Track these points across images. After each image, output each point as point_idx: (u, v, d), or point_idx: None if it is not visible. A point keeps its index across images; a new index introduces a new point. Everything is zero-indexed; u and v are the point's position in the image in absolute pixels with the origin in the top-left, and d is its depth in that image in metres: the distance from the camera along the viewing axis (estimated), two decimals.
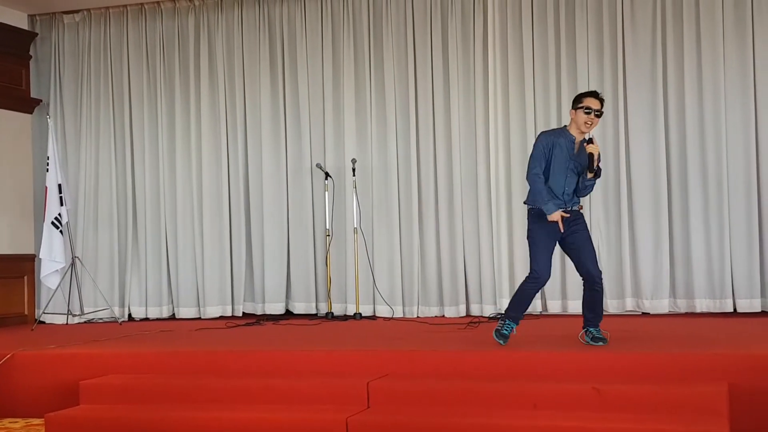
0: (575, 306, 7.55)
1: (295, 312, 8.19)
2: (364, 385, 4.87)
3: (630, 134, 7.53)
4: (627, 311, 7.50)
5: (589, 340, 5.33)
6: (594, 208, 7.57)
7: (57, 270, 8.06)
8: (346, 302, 8.03)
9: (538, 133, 7.47)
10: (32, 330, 7.78)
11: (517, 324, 5.45)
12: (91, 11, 8.77)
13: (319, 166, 8.08)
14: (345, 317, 7.90)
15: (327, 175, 8.04)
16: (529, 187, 5.39)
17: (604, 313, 7.44)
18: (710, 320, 6.95)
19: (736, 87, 7.31)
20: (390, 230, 7.98)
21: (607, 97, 7.53)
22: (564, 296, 7.63)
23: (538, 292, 5.53)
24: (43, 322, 8.25)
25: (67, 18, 8.83)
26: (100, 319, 8.35)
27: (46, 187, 8.05)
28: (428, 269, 7.94)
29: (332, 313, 7.97)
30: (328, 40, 8.23)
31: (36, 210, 8.63)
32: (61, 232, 8.03)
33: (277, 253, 8.24)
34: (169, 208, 8.49)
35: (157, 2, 8.62)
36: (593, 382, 4.62)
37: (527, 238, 5.46)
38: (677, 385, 4.56)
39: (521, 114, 7.75)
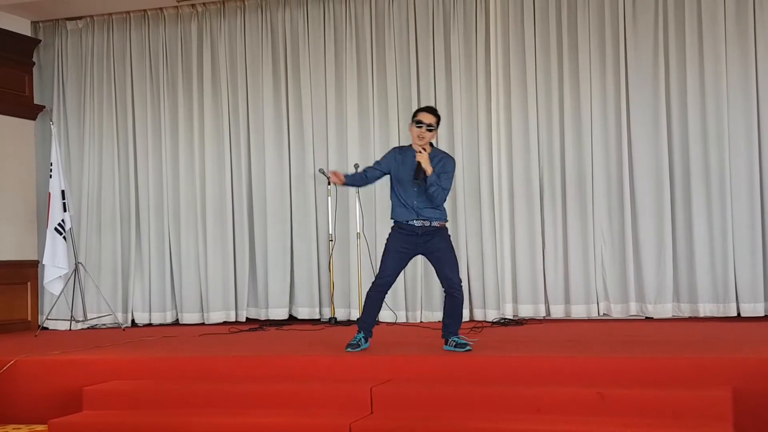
0: (578, 311, 7.56)
1: (299, 317, 8.19)
2: (367, 391, 4.87)
3: (632, 138, 7.52)
4: (630, 316, 7.49)
5: (452, 347, 5.49)
6: (597, 212, 7.56)
7: (60, 276, 8.06)
8: (349, 307, 8.03)
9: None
10: (35, 336, 7.78)
11: (369, 336, 5.68)
12: (94, 18, 8.79)
13: (321, 170, 8.08)
14: (348, 322, 7.89)
15: (330, 179, 8.04)
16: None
17: (608, 317, 7.51)
18: (714, 324, 6.94)
19: (739, 90, 7.30)
20: None
21: (609, 100, 7.59)
22: (567, 301, 7.62)
23: (381, 299, 5.69)
24: (47, 328, 8.25)
25: (70, 24, 8.85)
26: (104, 325, 8.35)
27: (50, 193, 8.05)
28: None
29: (335, 318, 7.96)
30: (330, 45, 8.24)
31: (39, 216, 8.64)
32: (64, 238, 8.03)
33: (281, 258, 8.24)
34: (173, 214, 8.50)
35: (160, 9, 8.64)
36: (597, 387, 4.61)
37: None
38: (681, 389, 4.55)
39: (524, 118, 7.75)
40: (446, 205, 7.80)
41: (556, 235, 7.67)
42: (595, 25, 7.65)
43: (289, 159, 8.32)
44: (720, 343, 5.70)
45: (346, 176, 5.67)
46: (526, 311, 7.65)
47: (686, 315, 7.38)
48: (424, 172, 5.41)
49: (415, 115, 5.58)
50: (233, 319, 8.29)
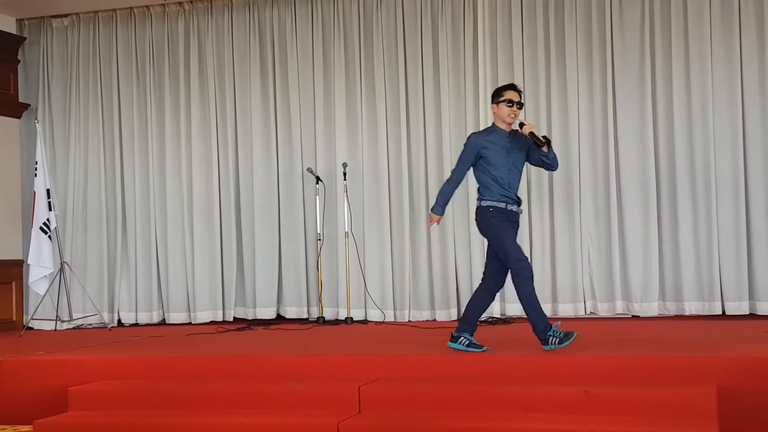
0: (565, 309, 7.58)
1: (287, 317, 8.18)
2: (355, 390, 4.86)
3: (619, 137, 7.56)
4: (617, 314, 7.52)
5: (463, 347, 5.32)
6: (584, 211, 7.59)
7: (45, 275, 8.02)
8: (337, 306, 8.03)
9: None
10: (20, 336, 7.74)
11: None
12: (80, 15, 8.74)
13: (309, 170, 8.07)
14: (336, 322, 7.89)
15: (318, 179, 8.04)
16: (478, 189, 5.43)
17: (594, 315, 7.54)
18: (699, 323, 6.98)
19: (724, 90, 7.34)
20: (381, 234, 7.98)
21: (596, 100, 7.62)
22: (554, 299, 7.64)
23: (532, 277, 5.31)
24: (32, 328, 8.21)
25: (55, 22, 8.80)
26: (90, 324, 8.31)
27: (35, 192, 8.01)
28: (419, 273, 7.95)
29: (323, 318, 7.96)
30: (318, 44, 8.23)
31: (24, 215, 8.59)
32: (49, 237, 7.99)
33: (268, 257, 8.23)
34: (159, 213, 8.47)
35: (147, 6, 8.60)
36: (583, 385, 4.63)
37: (487, 235, 5.38)
38: (667, 387, 4.57)
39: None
40: (434, 199, 7.83)
41: (543, 235, 7.69)
42: (582, 25, 7.67)
43: (277, 158, 8.30)
44: (705, 342, 5.73)
45: (443, 208, 5.44)
46: (513, 310, 7.66)
47: (672, 313, 7.42)
48: (539, 140, 5.18)
49: (500, 94, 5.32)
50: (220, 319, 8.27)
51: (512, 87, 5.37)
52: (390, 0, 8.07)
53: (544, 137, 5.26)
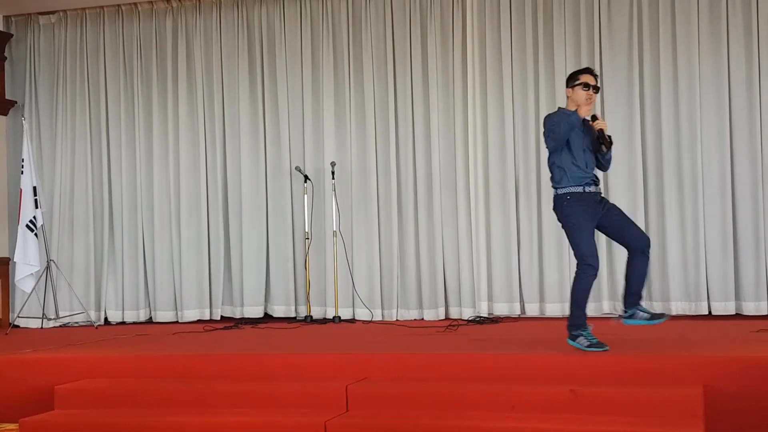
0: (553, 309, 7.60)
1: (274, 315, 8.16)
2: (342, 389, 4.86)
3: None
4: (604, 314, 7.53)
5: (638, 320, 5.18)
6: None
7: (32, 273, 7.98)
8: (325, 305, 8.02)
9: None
10: (6, 334, 7.70)
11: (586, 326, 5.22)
12: (67, 12, 8.70)
13: (298, 168, 8.07)
14: (324, 320, 7.89)
15: (306, 177, 8.03)
16: (552, 176, 5.24)
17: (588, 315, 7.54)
18: (685, 323, 7.01)
19: (711, 92, 7.37)
20: (369, 233, 7.98)
21: None
22: (542, 299, 7.66)
23: (594, 280, 5.22)
24: (18, 326, 8.16)
25: (42, 19, 8.76)
26: (76, 323, 8.28)
27: (21, 190, 7.98)
28: (407, 272, 7.95)
29: (311, 317, 7.95)
30: (307, 42, 8.22)
31: (10, 213, 8.54)
32: (36, 234, 7.95)
33: (256, 256, 8.21)
34: (146, 211, 8.44)
35: (134, 3, 8.57)
36: (570, 385, 4.64)
37: (564, 226, 5.24)
38: (653, 387, 4.59)
39: (500, 117, 7.78)
40: (423, 203, 7.92)
41: (531, 234, 7.70)
42: (570, 26, 7.69)
43: (265, 156, 8.29)
44: (691, 342, 5.76)
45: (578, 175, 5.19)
46: (501, 309, 7.68)
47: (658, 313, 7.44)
48: (605, 141, 5.12)
49: (575, 78, 5.20)
50: (207, 318, 8.25)
51: (588, 71, 5.26)
52: None
53: (609, 137, 5.18)
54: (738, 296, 7.28)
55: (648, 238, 5.26)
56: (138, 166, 8.47)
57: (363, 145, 8.05)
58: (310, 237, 8.05)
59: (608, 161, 5.33)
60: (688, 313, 7.34)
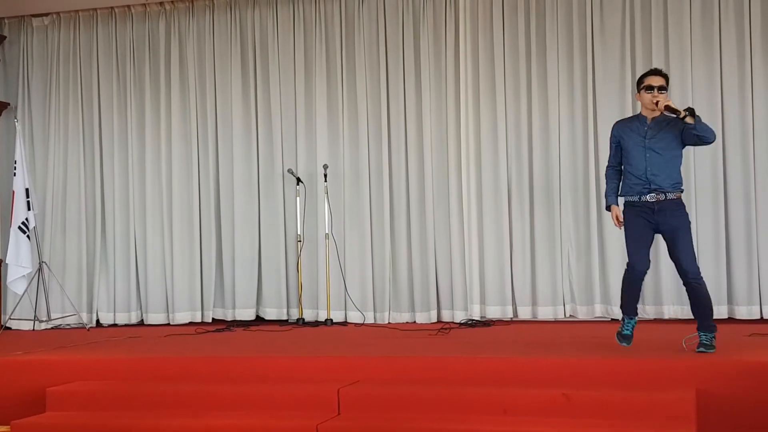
0: (545, 312, 7.61)
1: (266, 318, 8.15)
2: (334, 392, 4.86)
3: (599, 141, 7.58)
4: (596, 317, 7.55)
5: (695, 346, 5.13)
6: (564, 215, 7.62)
7: (24, 275, 7.97)
8: (317, 308, 8.01)
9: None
10: None
11: (633, 319, 5.35)
12: (61, 15, 8.68)
13: (290, 171, 8.06)
14: (316, 323, 7.88)
15: (298, 180, 8.03)
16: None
17: (574, 318, 7.56)
18: (678, 326, 7.00)
19: (704, 94, 7.38)
20: (361, 236, 7.98)
21: (576, 104, 7.65)
22: (534, 302, 7.67)
23: (639, 283, 5.33)
24: (10, 328, 8.14)
25: (36, 21, 8.74)
26: (68, 325, 8.25)
27: (13, 192, 7.97)
28: (399, 275, 7.95)
29: (303, 319, 7.94)
30: (300, 45, 8.22)
31: (3, 214, 8.52)
32: (28, 236, 7.94)
33: (248, 258, 8.20)
34: (138, 213, 8.43)
35: (128, 6, 8.56)
36: (562, 388, 4.65)
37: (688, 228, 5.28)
38: (645, 391, 4.60)
39: (492, 119, 7.79)
40: (415, 206, 7.91)
41: (523, 237, 7.71)
42: (563, 30, 7.70)
43: (257, 159, 8.28)
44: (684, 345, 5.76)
45: (615, 196, 5.37)
46: (493, 312, 7.69)
47: (651, 317, 7.46)
48: (678, 112, 5.02)
49: (641, 81, 5.26)
50: (199, 320, 8.23)
51: (654, 72, 5.27)
52: (372, 2, 8.08)
53: (686, 109, 5.04)
54: (731, 300, 7.30)
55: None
56: (130, 169, 8.46)
57: (356, 148, 8.06)
58: (302, 240, 8.04)
59: (704, 130, 5.06)
60: (680, 317, 7.34)
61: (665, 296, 7.39)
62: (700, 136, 5.09)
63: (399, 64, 8.00)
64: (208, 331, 7.52)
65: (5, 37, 8.76)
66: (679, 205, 5.21)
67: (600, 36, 7.64)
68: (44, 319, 8.08)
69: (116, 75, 8.56)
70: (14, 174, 7.98)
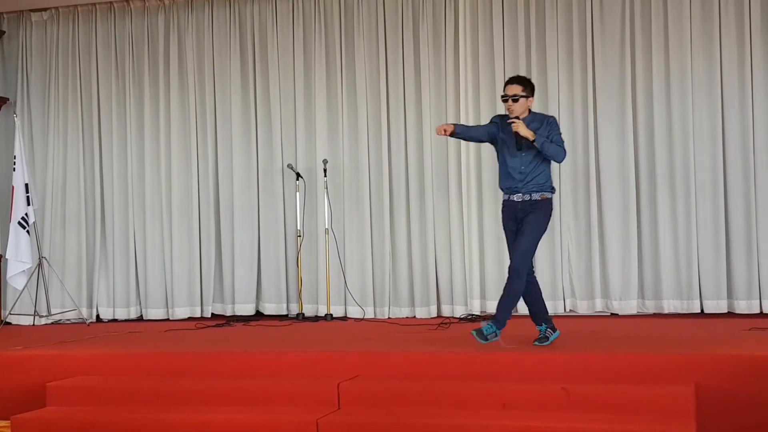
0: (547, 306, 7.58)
1: (266, 313, 8.16)
2: (334, 386, 4.87)
3: (599, 136, 7.59)
4: (596, 312, 7.56)
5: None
6: (564, 209, 7.61)
7: (24, 270, 7.96)
8: (317, 303, 8.02)
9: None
10: None
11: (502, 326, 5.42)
12: (60, 9, 8.67)
13: (290, 166, 8.06)
14: (316, 318, 7.89)
15: (298, 175, 8.03)
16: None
17: (574, 313, 7.56)
18: (678, 321, 7.03)
19: (704, 89, 7.38)
20: (361, 231, 7.98)
21: (576, 98, 7.65)
22: None
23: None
24: (10, 324, 8.14)
25: (35, 16, 8.73)
26: (68, 320, 8.26)
27: (13, 187, 7.96)
28: (399, 270, 7.95)
29: (303, 314, 7.95)
30: (299, 40, 8.21)
31: (2, 210, 8.51)
32: (27, 232, 7.94)
33: (248, 253, 8.20)
34: (138, 208, 8.43)
35: (127, 1, 8.55)
36: (562, 383, 4.66)
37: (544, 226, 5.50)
38: (645, 385, 4.60)
39: (492, 113, 7.72)
40: (415, 201, 7.91)
41: None
42: (562, 26, 7.69)
43: (256, 154, 8.28)
44: (683, 340, 5.77)
45: (456, 126, 5.48)
46: (493, 307, 7.60)
47: (651, 311, 7.46)
48: (526, 138, 5.29)
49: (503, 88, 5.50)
50: (198, 315, 8.24)
51: (509, 81, 5.51)
52: None
53: (527, 142, 5.31)
54: (730, 294, 7.31)
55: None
56: (129, 163, 8.45)
57: (355, 143, 8.05)
58: (302, 235, 8.04)
59: (553, 152, 5.35)
60: (680, 311, 7.35)
61: (665, 291, 7.39)
62: (551, 156, 5.36)
63: (398, 59, 7.99)
64: (208, 326, 7.52)
65: (4, 32, 8.75)
66: (543, 203, 5.41)
67: (600, 31, 7.62)
68: (44, 314, 8.08)
69: (115, 70, 8.56)
70: (14, 169, 7.98)
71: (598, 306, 7.54)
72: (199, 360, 5.49)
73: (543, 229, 5.46)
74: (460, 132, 5.56)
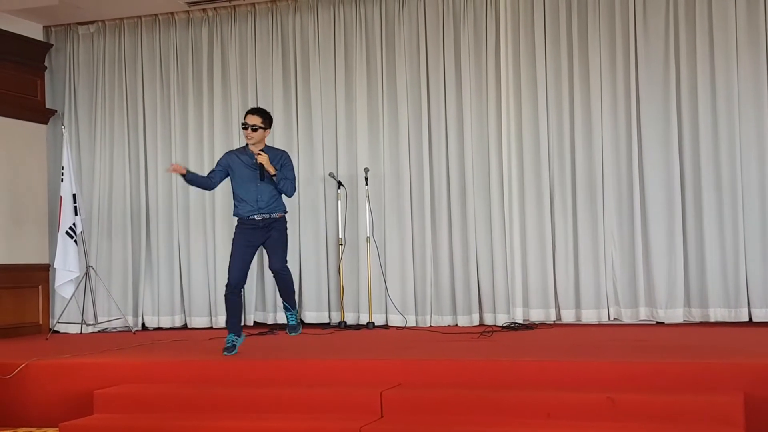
0: (588, 315, 7.54)
1: (307, 321, 8.18)
2: (377, 395, 4.86)
3: (643, 142, 7.50)
4: (641, 320, 7.46)
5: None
6: (607, 216, 7.54)
7: (71, 279, 8.10)
8: (358, 311, 8.03)
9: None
10: (46, 339, 7.82)
11: (239, 335, 6.02)
12: (106, 22, 8.83)
13: (331, 174, 8.09)
14: (358, 326, 7.90)
15: (339, 183, 8.06)
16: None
17: (618, 321, 7.48)
18: (725, 330, 6.91)
19: (750, 93, 7.26)
20: (402, 239, 7.98)
21: (619, 102, 7.57)
22: (578, 305, 7.60)
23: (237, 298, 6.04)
24: (58, 332, 8.28)
25: (81, 29, 8.90)
26: (114, 328, 8.38)
27: (61, 197, 8.10)
28: (441, 278, 7.93)
29: (345, 323, 7.96)
30: (340, 48, 8.25)
31: (51, 220, 8.68)
32: (75, 241, 8.07)
33: (289, 262, 8.22)
34: (182, 217, 8.52)
35: (171, 13, 8.67)
36: (607, 392, 4.60)
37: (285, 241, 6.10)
38: (692, 394, 4.53)
39: (534, 120, 7.74)
40: (456, 208, 7.89)
41: (566, 239, 7.65)
42: (605, 28, 7.63)
43: (298, 162, 8.30)
44: (731, 348, 5.67)
45: (189, 172, 6.07)
46: (536, 316, 7.63)
47: (697, 320, 7.35)
48: (268, 172, 5.85)
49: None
50: (241, 324, 8.27)
51: (249, 111, 6.03)
52: (412, 4, 8.08)
53: (269, 175, 5.88)
54: (749, 303, 7.16)
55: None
56: (174, 174, 8.53)
57: (396, 151, 8.06)
58: (343, 243, 8.06)
59: (285, 188, 5.97)
60: (728, 320, 7.23)
61: (712, 299, 7.27)
62: (279, 188, 5.96)
63: (439, 66, 7.99)
64: (251, 335, 7.56)
65: (52, 45, 8.93)
66: (281, 220, 6.03)
67: (643, 35, 7.54)
68: (91, 322, 8.20)
69: (160, 81, 8.68)
70: (62, 180, 8.12)
71: (643, 314, 7.44)
72: (243, 368, 5.53)
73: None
74: (192, 178, 6.13)
